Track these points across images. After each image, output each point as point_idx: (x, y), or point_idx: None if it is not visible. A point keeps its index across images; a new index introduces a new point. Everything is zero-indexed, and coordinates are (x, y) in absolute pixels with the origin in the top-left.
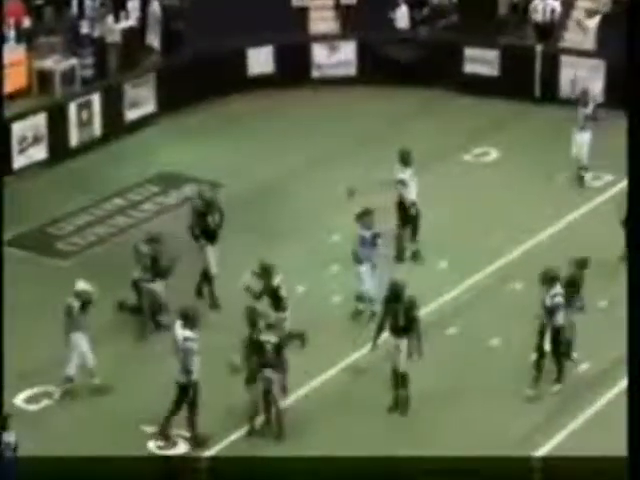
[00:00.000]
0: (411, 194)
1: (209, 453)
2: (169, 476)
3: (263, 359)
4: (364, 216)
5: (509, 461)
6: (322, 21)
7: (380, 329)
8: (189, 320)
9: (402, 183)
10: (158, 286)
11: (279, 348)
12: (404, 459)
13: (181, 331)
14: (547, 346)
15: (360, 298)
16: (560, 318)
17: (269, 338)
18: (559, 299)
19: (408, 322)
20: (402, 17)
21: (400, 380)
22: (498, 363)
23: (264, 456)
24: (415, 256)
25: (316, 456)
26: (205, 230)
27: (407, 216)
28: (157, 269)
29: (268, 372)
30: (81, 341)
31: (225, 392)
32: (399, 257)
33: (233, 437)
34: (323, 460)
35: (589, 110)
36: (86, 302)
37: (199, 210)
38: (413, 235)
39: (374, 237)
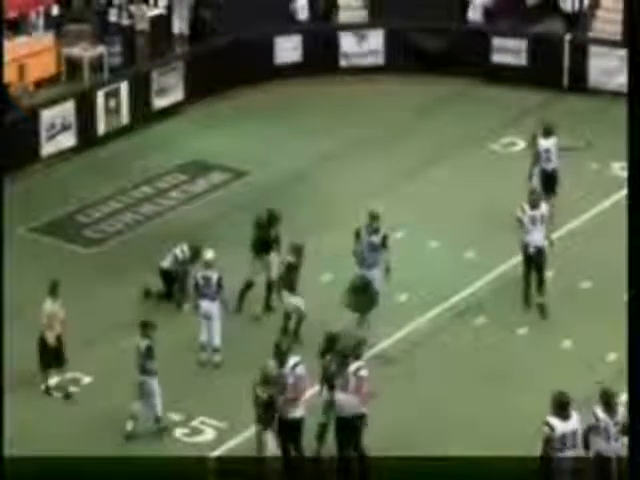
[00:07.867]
0: (529, 235)
1: (216, 453)
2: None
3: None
4: (373, 220)
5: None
6: (350, 10)
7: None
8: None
9: (518, 221)
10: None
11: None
12: (413, 459)
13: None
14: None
15: None
16: None
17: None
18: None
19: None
20: (302, 9)
21: None
22: (527, 353)
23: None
24: (541, 310)
25: (320, 457)
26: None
27: (524, 258)
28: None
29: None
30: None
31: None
32: (525, 302)
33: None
34: (329, 461)
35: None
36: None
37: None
38: (539, 284)
39: (384, 239)
